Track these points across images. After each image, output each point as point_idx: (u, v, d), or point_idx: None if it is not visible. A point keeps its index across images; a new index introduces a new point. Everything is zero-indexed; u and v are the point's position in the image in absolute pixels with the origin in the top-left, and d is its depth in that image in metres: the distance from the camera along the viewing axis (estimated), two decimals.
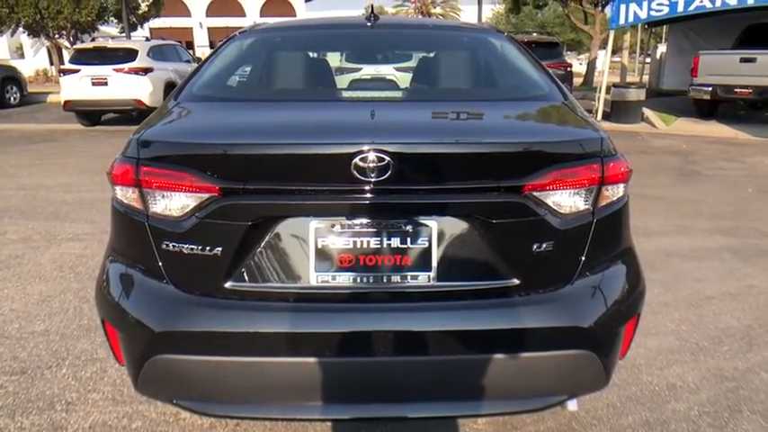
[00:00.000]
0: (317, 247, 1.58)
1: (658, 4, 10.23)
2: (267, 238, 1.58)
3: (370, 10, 2.55)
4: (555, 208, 1.61)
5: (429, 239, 1.58)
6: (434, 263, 1.59)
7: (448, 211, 1.58)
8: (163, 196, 1.59)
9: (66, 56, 27.50)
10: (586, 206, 1.66)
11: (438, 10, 43.01)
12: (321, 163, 1.53)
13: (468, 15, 44.98)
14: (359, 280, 1.59)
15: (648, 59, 19.12)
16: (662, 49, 17.89)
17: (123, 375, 2.53)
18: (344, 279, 1.59)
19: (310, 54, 2.58)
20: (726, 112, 11.05)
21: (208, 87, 2.11)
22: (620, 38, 17.74)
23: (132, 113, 11.49)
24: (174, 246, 1.60)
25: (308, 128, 1.73)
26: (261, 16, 39.93)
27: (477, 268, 1.62)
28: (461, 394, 1.69)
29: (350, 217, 1.56)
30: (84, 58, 11.31)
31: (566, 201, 1.63)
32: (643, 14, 10.47)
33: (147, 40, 12.39)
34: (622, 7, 10.65)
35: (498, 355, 1.61)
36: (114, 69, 10.99)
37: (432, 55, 2.47)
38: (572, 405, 1.83)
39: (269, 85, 2.28)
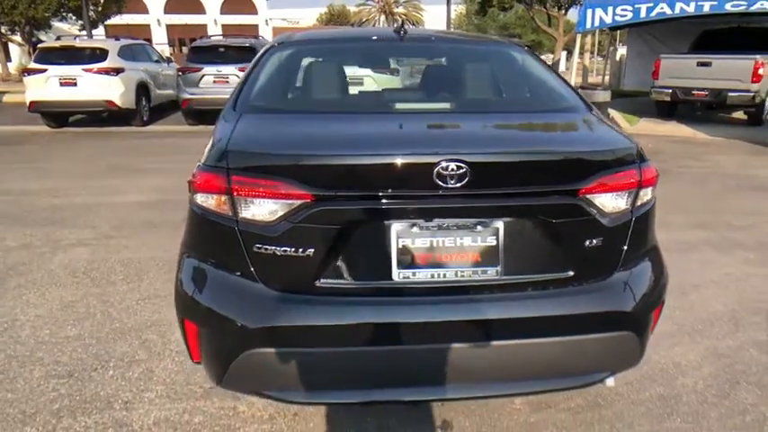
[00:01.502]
0: (399, 246, 1.75)
1: (623, 10, 10.77)
2: (354, 240, 1.74)
3: (400, 23, 2.74)
4: (602, 208, 1.84)
5: (497, 238, 1.79)
6: (501, 259, 1.80)
7: (514, 212, 1.78)
8: (255, 203, 1.74)
9: (15, 53, 26.45)
10: (626, 206, 1.90)
11: (401, 9, 43.37)
12: (407, 171, 1.71)
13: (431, 16, 45.58)
14: (436, 275, 1.78)
15: (601, 59, 19.93)
16: (621, 51, 18.71)
17: (173, 375, 2.64)
18: (423, 275, 1.77)
19: (352, 66, 2.74)
20: (684, 113, 11.72)
21: (266, 99, 2.25)
22: (580, 39, 18.44)
23: (103, 114, 11.28)
24: (265, 248, 1.75)
25: (394, 139, 1.90)
26: (221, 14, 39.38)
27: (537, 263, 1.84)
28: (521, 375, 1.91)
29: (429, 219, 1.75)
30: (50, 57, 10.98)
31: (611, 202, 1.86)
32: (608, 19, 11.00)
33: (117, 39, 12.14)
34: (589, 12, 11.16)
35: (554, 339, 1.83)
36: (84, 69, 10.73)
37: (466, 67, 2.67)
38: (610, 381, 2.07)
39: (323, 96, 2.43)
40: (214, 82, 11.00)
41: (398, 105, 2.34)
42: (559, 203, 1.80)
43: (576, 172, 1.81)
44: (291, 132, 1.98)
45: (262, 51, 2.67)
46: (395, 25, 2.74)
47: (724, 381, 2.64)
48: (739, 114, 11.67)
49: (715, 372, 2.71)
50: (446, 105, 2.35)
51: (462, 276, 1.79)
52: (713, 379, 2.65)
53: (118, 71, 10.90)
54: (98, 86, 10.69)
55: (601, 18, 11.20)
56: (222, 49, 11.41)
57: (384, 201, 1.72)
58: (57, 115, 11.26)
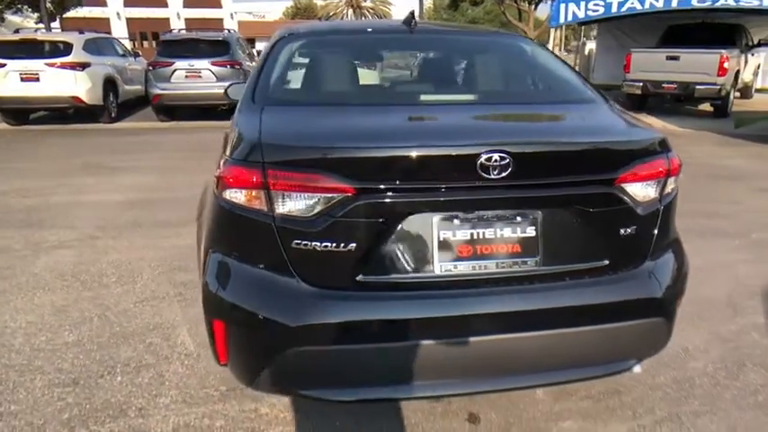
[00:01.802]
0: (440, 239, 1.73)
1: (595, 5, 10.97)
2: (395, 233, 1.71)
3: (410, 14, 2.70)
4: (635, 197, 1.86)
5: (536, 229, 1.78)
6: (540, 249, 1.79)
7: (552, 203, 1.78)
8: (293, 198, 1.68)
9: None
10: (656, 195, 1.92)
11: (368, 3, 43.18)
12: (451, 162, 1.69)
13: (398, 9, 45.51)
14: (477, 267, 1.76)
15: (567, 54, 20.27)
16: (590, 45, 19.07)
17: (185, 378, 2.55)
18: (464, 267, 1.75)
19: (368, 58, 2.69)
20: (653, 105, 12.03)
21: (287, 92, 2.20)
22: (554, 34, 18.71)
23: (69, 111, 10.87)
24: (304, 244, 1.70)
25: (437, 130, 1.87)
26: (184, 7, 38.46)
27: (574, 252, 1.84)
28: (557, 365, 1.91)
29: (470, 211, 1.73)
30: (9, 51, 10.49)
31: (642, 191, 1.88)
32: (581, 14, 11.19)
33: (81, 32, 11.67)
34: (562, 7, 11.33)
35: (591, 327, 1.85)
36: (47, 64, 10.29)
37: (481, 59, 2.65)
38: (637, 368, 2.09)
39: (343, 88, 2.37)
40: (186, 77, 10.72)
41: (423, 97, 2.31)
42: (596, 193, 1.80)
43: (613, 161, 1.82)
44: (326, 125, 1.93)
45: (271, 43, 2.59)
46: (405, 17, 2.71)
47: (731, 363, 2.71)
48: (705, 106, 12.06)
49: (722, 355, 2.78)
50: (470, 97, 2.34)
51: (503, 268, 1.78)
52: (721, 362, 2.72)
53: (84, 66, 10.50)
54: (63, 82, 10.26)
55: (574, 13, 11.39)
56: (194, 43, 11.12)
57: (426, 193, 1.69)
58: (17, 112, 10.79)
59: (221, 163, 1.86)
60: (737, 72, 11.03)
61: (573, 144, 1.82)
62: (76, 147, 8.65)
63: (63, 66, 10.30)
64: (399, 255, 1.73)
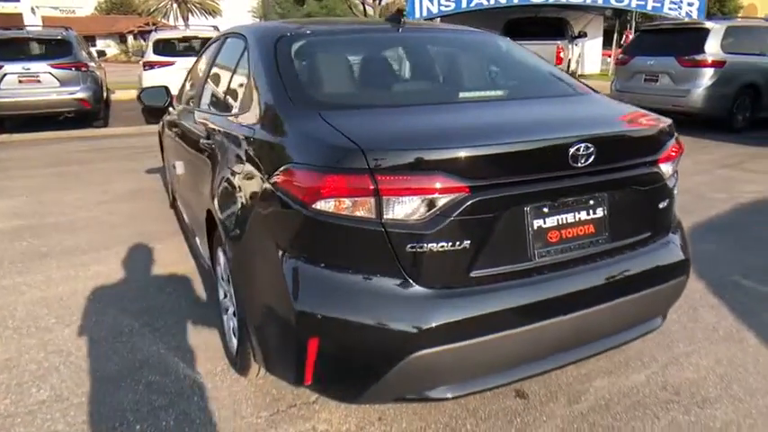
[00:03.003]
0: (534, 228, 1.83)
1: (447, 1, 11.73)
2: (501, 227, 1.77)
3: (398, 12, 2.73)
4: (665, 175, 2.14)
5: (604, 210, 1.97)
6: (608, 228, 1.99)
7: (615, 184, 1.99)
8: (406, 201, 1.66)
9: None
10: (672, 172, 2.23)
11: None
12: (549, 154, 1.81)
13: (228, 4, 43.71)
14: (565, 250, 1.90)
15: None
16: None
17: (217, 411, 2.32)
18: (554, 251, 1.88)
19: (393, 57, 2.67)
20: None
21: (332, 95, 2.14)
22: None
23: None
24: (420, 246, 1.68)
25: (531, 125, 1.95)
26: None
27: (629, 227, 2.07)
28: (615, 330, 2.14)
29: (557, 199, 1.86)
30: None
31: (668, 169, 2.17)
32: (435, 9, 11.91)
33: None
34: (417, 2, 11.92)
35: (643, 292, 2.09)
36: None
37: (482, 56, 2.77)
38: (662, 324, 2.40)
39: (388, 88, 2.35)
40: (20, 82, 9.26)
41: (462, 95, 2.37)
42: (646, 173, 2.05)
43: (655, 144, 2.09)
44: (414, 126, 1.92)
45: (265, 46, 2.41)
46: (391, 15, 2.73)
47: (687, 308, 3.20)
48: None
49: (677, 305, 3.28)
50: (499, 93, 2.45)
51: (583, 248, 1.94)
52: (679, 309, 3.20)
53: None
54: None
55: (428, 8, 12.08)
56: (27, 43, 9.68)
57: (527, 185, 1.78)
58: None
59: (293, 172, 1.75)
60: (569, 61, 12.65)
61: (632, 131, 2.06)
62: None
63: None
64: (503, 247, 1.80)
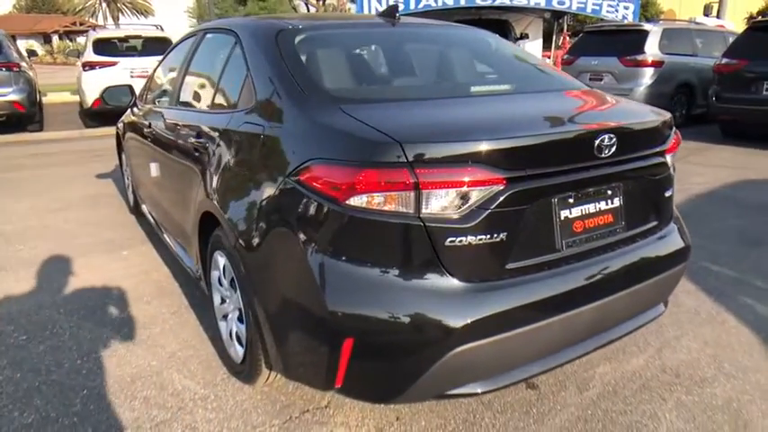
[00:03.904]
0: (561, 218, 1.85)
1: (395, 1, 11.78)
2: (534, 218, 1.78)
3: (392, 8, 2.70)
4: (670, 165, 2.23)
5: (620, 199, 2.02)
6: (623, 217, 2.04)
7: (630, 174, 2.04)
8: (445, 195, 1.63)
9: None
10: (672, 162, 2.32)
11: None
12: (577, 145, 1.83)
13: (159, 3, 42.04)
14: (586, 240, 1.93)
15: None
16: None
17: (225, 421, 2.21)
18: (579, 241, 1.91)
19: (398, 51, 2.63)
20: None
21: (345, 89, 2.09)
22: None
23: None
24: (459, 240, 1.66)
25: (561, 117, 1.96)
26: None
27: (640, 216, 2.13)
28: (626, 318, 2.20)
29: (581, 189, 1.89)
30: None
31: (671, 159, 2.25)
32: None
33: None
34: (365, 3, 11.92)
35: (653, 279, 2.16)
36: None
37: (478, 51, 2.77)
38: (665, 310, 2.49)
39: (393, 82, 2.30)
40: None
41: (474, 89, 2.36)
42: (656, 163, 2.12)
43: (663, 135, 2.16)
44: (444, 119, 1.90)
45: (265, 40, 2.32)
46: (386, 10, 2.70)
47: None
48: None
49: None
50: (507, 87, 2.45)
51: (603, 237, 1.98)
52: None
53: None
54: None
55: (376, 8, 12.07)
56: None
57: (557, 176, 1.80)
58: None
59: (320, 167, 1.70)
60: None
61: (646, 122, 2.11)
62: None
63: None
64: (534, 238, 1.81)
